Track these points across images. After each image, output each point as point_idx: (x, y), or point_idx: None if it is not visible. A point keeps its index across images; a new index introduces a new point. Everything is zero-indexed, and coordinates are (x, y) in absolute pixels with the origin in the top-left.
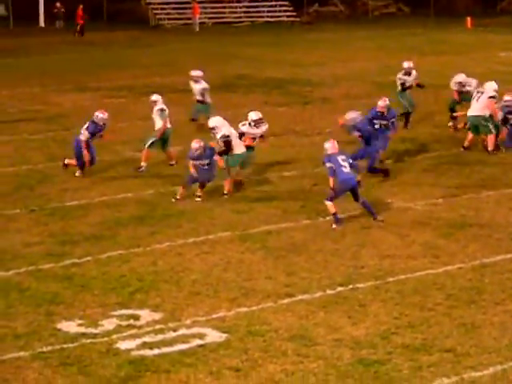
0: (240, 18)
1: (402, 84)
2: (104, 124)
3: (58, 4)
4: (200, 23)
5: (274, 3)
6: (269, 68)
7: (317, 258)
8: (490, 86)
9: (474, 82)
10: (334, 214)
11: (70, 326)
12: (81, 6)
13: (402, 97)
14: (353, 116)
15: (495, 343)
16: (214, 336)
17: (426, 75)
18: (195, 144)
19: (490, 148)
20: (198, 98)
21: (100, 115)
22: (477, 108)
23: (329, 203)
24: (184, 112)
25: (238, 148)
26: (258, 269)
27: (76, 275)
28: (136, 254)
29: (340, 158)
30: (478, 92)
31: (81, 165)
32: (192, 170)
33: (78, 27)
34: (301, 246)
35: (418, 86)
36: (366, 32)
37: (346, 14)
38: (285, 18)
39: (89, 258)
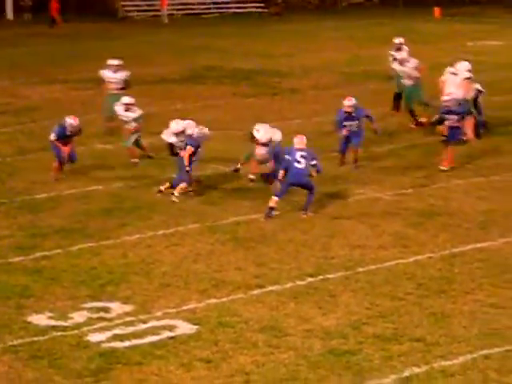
0: (209, 9)
1: (395, 59)
2: (71, 132)
3: None
4: (168, 15)
5: None
6: (237, 59)
7: (287, 249)
8: (463, 67)
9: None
10: (271, 208)
11: (40, 319)
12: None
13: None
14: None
15: (465, 332)
16: (184, 328)
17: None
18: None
19: (468, 133)
20: (117, 87)
21: (69, 121)
22: (453, 91)
23: (275, 198)
24: (153, 104)
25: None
26: (227, 260)
27: (46, 268)
28: (106, 247)
29: (299, 154)
30: (451, 73)
31: (59, 162)
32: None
33: (54, 18)
34: (271, 237)
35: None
36: (334, 22)
37: (315, 4)
38: (253, 9)
39: (59, 251)
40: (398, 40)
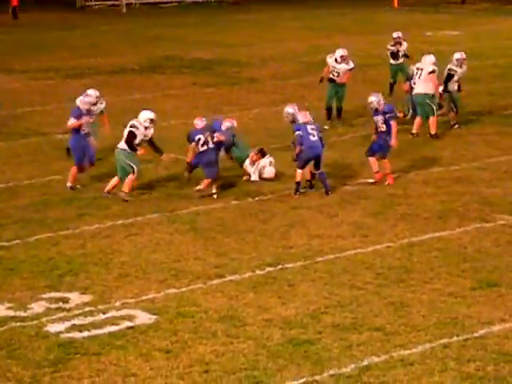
0: None
1: (392, 54)
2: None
3: None
4: (127, 4)
5: None
6: (196, 49)
7: (246, 239)
8: (429, 60)
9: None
10: (298, 183)
11: None
12: None
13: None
14: (375, 99)
15: (424, 321)
16: (143, 318)
17: (354, 55)
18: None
19: (432, 132)
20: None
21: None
22: (420, 86)
23: (299, 171)
24: (112, 94)
25: None
26: (187, 250)
27: (4, 258)
28: (65, 237)
29: (309, 127)
30: (417, 68)
31: (79, 166)
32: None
33: (11, 10)
34: (230, 227)
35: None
36: (293, 12)
37: None
38: None
39: (17, 241)
40: (396, 34)
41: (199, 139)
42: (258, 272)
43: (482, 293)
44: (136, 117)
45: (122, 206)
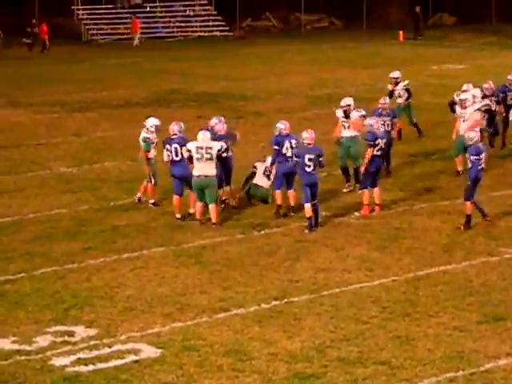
0: (173, 32)
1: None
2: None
3: None
4: (131, 38)
5: (206, 18)
6: (202, 82)
7: (252, 272)
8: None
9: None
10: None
11: (4, 343)
12: (44, 23)
13: (402, 109)
14: (370, 122)
15: (430, 355)
16: (149, 351)
17: (359, 88)
18: None
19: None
20: None
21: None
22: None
23: (308, 205)
24: (117, 127)
25: None
26: (192, 283)
27: (9, 292)
28: (70, 270)
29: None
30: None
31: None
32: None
33: (43, 42)
34: (235, 261)
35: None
36: (298, 46)
37: (279, 28)
38: (218, 33)
39: (23, 275)
40: (397, 73)
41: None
42: (263, 305)
43: (488, 327)
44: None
45: (127, 239)
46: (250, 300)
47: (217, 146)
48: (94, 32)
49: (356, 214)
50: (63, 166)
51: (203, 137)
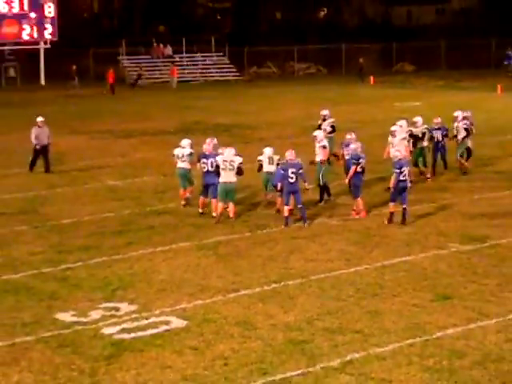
0: (195, 76)
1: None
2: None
3: (73, 66)
4: (163, 82)
5: (221, 66)
6: (218, 116)
7: (256, 262)
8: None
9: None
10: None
11: (65, 316)
12: (112, 69)
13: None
14: (354, 147)
15: (394, 326)
16: (177, 323)
17: (341, 121)
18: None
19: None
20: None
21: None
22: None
23: (286, 208)
24: (153, 150)
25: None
26: (210, 270)
27: (70, 277)
28: (116, 260)
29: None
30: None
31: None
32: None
33: (109, 86)
34: (244, 253)
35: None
36: (292, 87)
37: (278, 74)
38: (230, 77)
39: (80, 263)
40: (321, 111)
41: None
42: (265, 287)
43: (438, 304)
44: (170, 168)
45: (160, 236)
46: (255, 283)
47: (238, 160)
48: (135, 76)
49: (351, 216)
50: (111, 180)
51: (228, 153)
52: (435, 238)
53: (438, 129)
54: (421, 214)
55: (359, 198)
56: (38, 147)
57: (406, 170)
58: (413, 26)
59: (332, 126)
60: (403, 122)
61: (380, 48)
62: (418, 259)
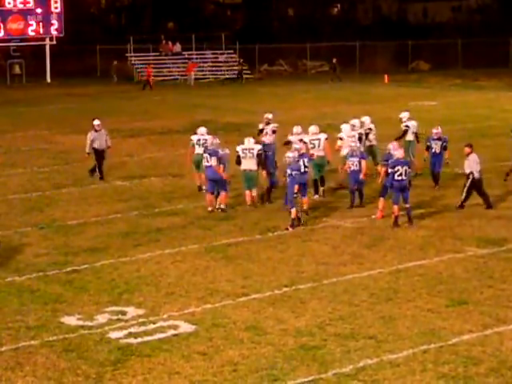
0: (205, 75)
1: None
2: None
3: (115, 62)
4: (173, 79)
5: (232, 63)
6: (228, 115)
7: (267, 265)
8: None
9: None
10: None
11: (71, 320)
12: (151, 65)
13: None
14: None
15: (407, 332)
16: (185, 327)
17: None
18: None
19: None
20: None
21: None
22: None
23: (293, 210)
24: (161, 150)
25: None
26: (220, 273)
27: (75, 279)
28: (123, 263)
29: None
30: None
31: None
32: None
33: (148, 82)
34: (254, 256)
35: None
36: (304, 86)
37: (290, 72)
38: (242, 76)
39: (86, 266)
40: (268, 115)
41: None
42: (276, 291)
43: (454, 309)
44: (179, 168)
45: (168, 238)
46: (266, 287)
47: (257, 147)
48: (144, 74)
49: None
50: (118, 180)
51: (248, 142)
52: (451, 241)
53: (438, 139)
54: (436, 217)
55: (381, 198)
56: (99, 150)
57: (401, 169)
58: (428, 24)
59: (273, 131)
60: (356, 122)
61: (395, 46)
62: (433, 263)
